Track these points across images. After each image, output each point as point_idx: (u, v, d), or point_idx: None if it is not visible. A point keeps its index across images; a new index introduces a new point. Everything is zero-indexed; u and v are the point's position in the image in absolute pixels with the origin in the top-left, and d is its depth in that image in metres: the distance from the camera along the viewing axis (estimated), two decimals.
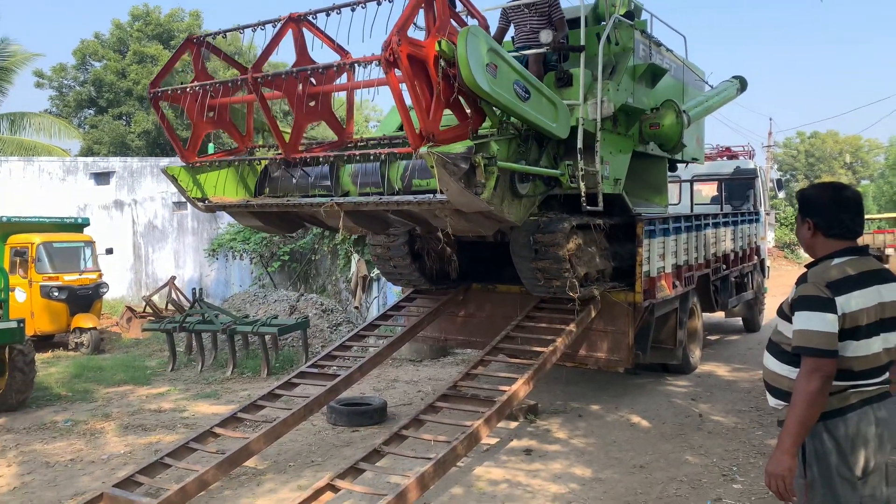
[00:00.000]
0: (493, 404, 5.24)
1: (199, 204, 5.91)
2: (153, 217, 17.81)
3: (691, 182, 12.70)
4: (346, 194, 5.90)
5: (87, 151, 27.40)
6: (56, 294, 11.32)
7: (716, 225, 9.26)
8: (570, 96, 5.85)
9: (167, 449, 5.37)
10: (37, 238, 11.50)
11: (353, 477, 4.65)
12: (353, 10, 4.76)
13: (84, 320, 11.33)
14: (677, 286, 7.69)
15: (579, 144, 5.64)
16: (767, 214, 13.78)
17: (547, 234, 5.80)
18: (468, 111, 4.83)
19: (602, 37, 6.05)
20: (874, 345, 2.62)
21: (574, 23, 6.64)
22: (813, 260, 2.85)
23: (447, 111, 4.69)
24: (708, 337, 10.77)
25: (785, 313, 2.74)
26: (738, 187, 12.68)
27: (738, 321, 12.18)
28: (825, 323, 2.55)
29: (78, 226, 12.71)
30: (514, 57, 6.40)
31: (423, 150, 4.35)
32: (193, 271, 17.44)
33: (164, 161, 18.13)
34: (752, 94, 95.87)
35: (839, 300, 2.56)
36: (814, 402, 2.53)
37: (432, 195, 4.85)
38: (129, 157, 23.21)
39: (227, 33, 5.56)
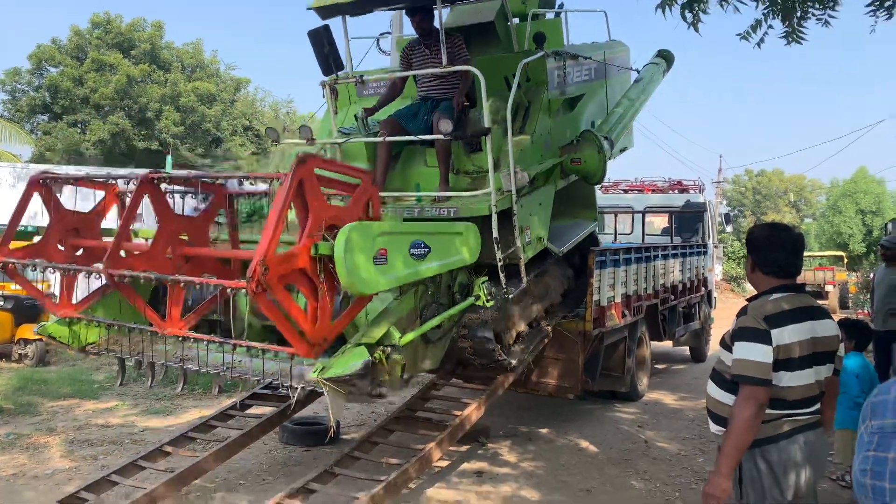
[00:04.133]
0: (446, 428, 5.34)
1: (89, 348, 5.23)
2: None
3: (643, 213, 13.11)
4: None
5: (39, 158, 26.68)
6: (1, 303, 11.02)
7: (665, 256, 9.57)
8: (482, 161, 5.38)
9: (115, 466, 5.32)
10: None
11: (304, 497, 4.67)
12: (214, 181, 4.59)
13: (29, 331, 11.01)
14: (626, 315, 7.93)
15: (495, 234, 5.12)
16: (716, 247, 14.25)
17: (471, 318, 5.30)
18: None
19: (513, 86, 5.43)
20: (807, 376, 2.83)
21: (483, 28, 6.37)
22: (754, 294, 3.07)
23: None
24: (656, 365, 11.06)
25: (727, 343, 2.94)
26: (688, 220, 13.12)
27: (686, 351, 12.53)
28: (761, 353, 2.74)
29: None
30: (417, 102, 5.94)
31: (311, 377, 3.97)
32: None
33: (121, 171, 17.78)
34: (704, 131, 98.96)
35: (774, 333, 2.76)
36: (748, 427, 2.72)
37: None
38: (83, 165, 22.73)
39: (73, 181, 5.05)
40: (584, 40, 7.61)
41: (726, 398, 2.89)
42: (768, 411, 2.80)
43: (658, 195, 14.47)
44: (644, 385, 9.11)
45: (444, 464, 6.00)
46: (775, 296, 2.90)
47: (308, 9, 5.52)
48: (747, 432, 2.73)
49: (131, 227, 4.88)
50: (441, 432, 5.28)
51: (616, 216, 13.49)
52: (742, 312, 2.94)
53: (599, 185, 15.65)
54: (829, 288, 25.50)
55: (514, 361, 5.82)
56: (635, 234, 13.03)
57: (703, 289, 11.77)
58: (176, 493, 5.02)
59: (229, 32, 76.04)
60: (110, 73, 27.51)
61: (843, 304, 24.90)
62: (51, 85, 28.05)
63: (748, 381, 2.75)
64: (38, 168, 18.72)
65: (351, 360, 3.99)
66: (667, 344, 11.33)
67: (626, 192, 15.19)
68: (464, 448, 6.49)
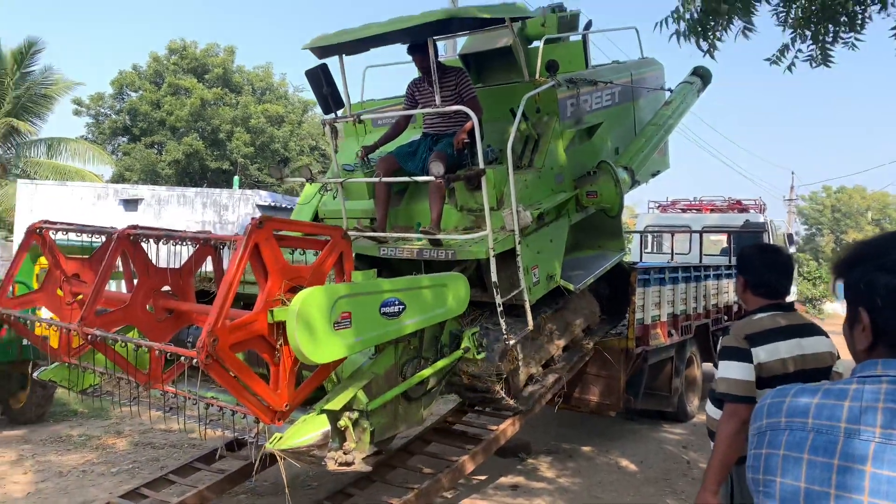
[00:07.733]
0: (481, 441, 5.50)
1: (90, 391, 5.27)
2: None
3: (701, 233, 12.99)
4: None
5: (119, 178, 28.31)
6: None
7: (717, 276, 9.47)
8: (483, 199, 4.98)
9: (172, 466, 5.70)
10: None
11: (343, 500, 4.93)
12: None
13: None
14: (673, 335, 7.89)
15: (493, 278, 4.86)
16: None
17: (472, 368, 5.02)
18: None
19: (516, 119, 5.14)
20: None
21: (502, 53, 6.17)
22: (743, 313, 3.17)
23: None
24: (711, 387, 10.87)
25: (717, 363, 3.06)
26: (747, 240, 12.91)
27: None
28: (741, 371, 2.85)
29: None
30: (418, 139, 5.72)
31: (268, 447, 3.69)
32: None
33: (190, 192, 18.74)
34: (776, 147, 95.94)
35: (755, 351, 2.86)
36: (731, 443, 2.80)
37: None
38: (158, 184, 24.00)
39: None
40: (619, 55, 7.60)
41: (717, 414, 2.99)
42: None
43: (716, 214, 14.29)
44: (694, 406, 8.99)
45: (482, 476, 6.15)
46: (759, 315, 3.00)
47: (303, 48, 5.38)
48: (730, 448, 2.81)
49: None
50: (476, 445, 5.44)
51: (673, 236, 13.40)
52: (725, 332, 3.04)
53: (657, 205, 15.59)
54: None
55: (524, 406, 5.58)
56: (693, 254, 12.91)
57: None
58: (225, 493, 5.36)
59: (298, 57, 78.39)
60: (185, 97, 28.97)
61: None
62: (131, 108, 29.74)
63: (729, 399, 2.85)
64: (116, 187, 19.89)
65: (308, 430, 3.70)
66: None
67: (683, 211, 15.07)
68: (503, 462, 6.62)
